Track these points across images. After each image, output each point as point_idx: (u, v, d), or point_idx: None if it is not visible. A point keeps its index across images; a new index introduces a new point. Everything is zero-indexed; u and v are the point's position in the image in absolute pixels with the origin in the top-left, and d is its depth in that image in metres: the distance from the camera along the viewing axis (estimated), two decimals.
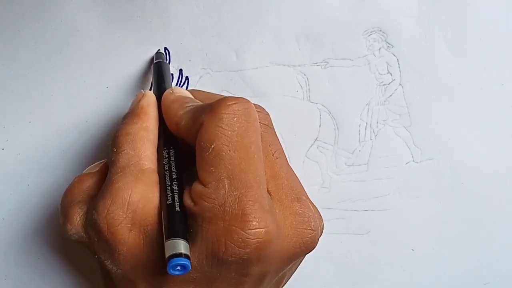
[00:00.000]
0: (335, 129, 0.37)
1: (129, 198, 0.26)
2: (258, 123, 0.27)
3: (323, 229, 0.29)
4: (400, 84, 0.37)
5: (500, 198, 0.38)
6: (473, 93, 0.37)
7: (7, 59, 0.35)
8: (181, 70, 0.36)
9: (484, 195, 0.38)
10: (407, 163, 0.37)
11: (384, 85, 0.37)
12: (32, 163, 0.36)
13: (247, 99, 0.26)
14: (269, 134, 0.28)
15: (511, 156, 0.37)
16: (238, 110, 0.25)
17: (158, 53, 0.35)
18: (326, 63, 0.36)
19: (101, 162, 0.31)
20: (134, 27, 0.35)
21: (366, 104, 0.37)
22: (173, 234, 0.24)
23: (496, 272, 0.38)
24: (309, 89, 0.36)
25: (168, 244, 0.24)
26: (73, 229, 0.27)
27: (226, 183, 0.24)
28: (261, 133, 0.27)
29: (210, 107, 0.26)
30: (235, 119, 0.25)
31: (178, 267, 0.23)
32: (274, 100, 0.36)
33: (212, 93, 0.33)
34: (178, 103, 0.29)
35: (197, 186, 0.25)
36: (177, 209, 0.25)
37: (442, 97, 0.37)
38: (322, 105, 0.37)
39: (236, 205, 0.24)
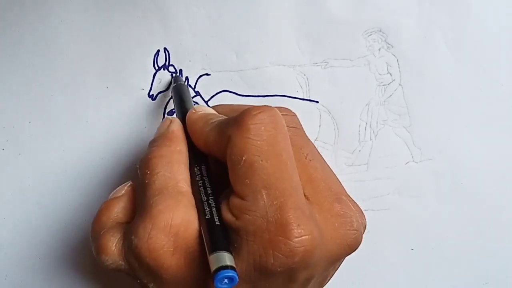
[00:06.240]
0: (335, 129, 0.37)
1: (171, 221, 0.25)
2: (286, 128, 0.26)
3: (365, 226, 0.28)
4: (400, 84, 0.37)
5: (499, 198, 0.38)
6: (473, 93, 0.37)
7: (7, 59, 0.35)
8: (181, 70, 0.36)
9: (484, 195, 0.38)
10: (407, 163, 0.37)
11: (384, 85, 0.37)
12: (32, 163, 0.36)
13: (271, 107, 0.26)
14: (299, 137, 0.28)
15: (511, 156, 0.37)
16: (264, 118, 0.25)
17: (175, 76, 0.35)
18: (326, 63, 0.36)
19: (126, 185, 0.30)
20: (134, 27, 0.35)
21: (366, 104, 0.37)
22: (216, 247, 0.24)
23: (496, 272, 0.38)
24: (309, 89, 0.36)
25: (212, 257, 0.23)
26: (109, 259, 0.26)
27: (263, 193, 0.24)
28: (290, 137, 0.26)
29: (235, 120, 0.25)
30: (262, 128, 0.25)
31: (225, 280, 0.23)
32: (274, 100, 0.36)
33: (234, 104, 0.32)
34: (203, 121, 0.28)
35: (234, 200, 0.25)
36: (217, 223, 0.25)
37: (442, 97, 0.37)
38: (322, 105, 0.37)
39: (278, 215, 0.23)
